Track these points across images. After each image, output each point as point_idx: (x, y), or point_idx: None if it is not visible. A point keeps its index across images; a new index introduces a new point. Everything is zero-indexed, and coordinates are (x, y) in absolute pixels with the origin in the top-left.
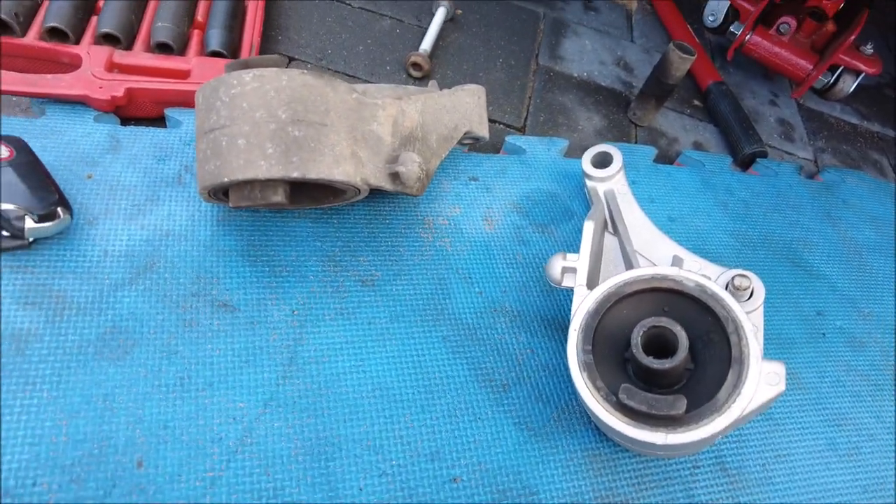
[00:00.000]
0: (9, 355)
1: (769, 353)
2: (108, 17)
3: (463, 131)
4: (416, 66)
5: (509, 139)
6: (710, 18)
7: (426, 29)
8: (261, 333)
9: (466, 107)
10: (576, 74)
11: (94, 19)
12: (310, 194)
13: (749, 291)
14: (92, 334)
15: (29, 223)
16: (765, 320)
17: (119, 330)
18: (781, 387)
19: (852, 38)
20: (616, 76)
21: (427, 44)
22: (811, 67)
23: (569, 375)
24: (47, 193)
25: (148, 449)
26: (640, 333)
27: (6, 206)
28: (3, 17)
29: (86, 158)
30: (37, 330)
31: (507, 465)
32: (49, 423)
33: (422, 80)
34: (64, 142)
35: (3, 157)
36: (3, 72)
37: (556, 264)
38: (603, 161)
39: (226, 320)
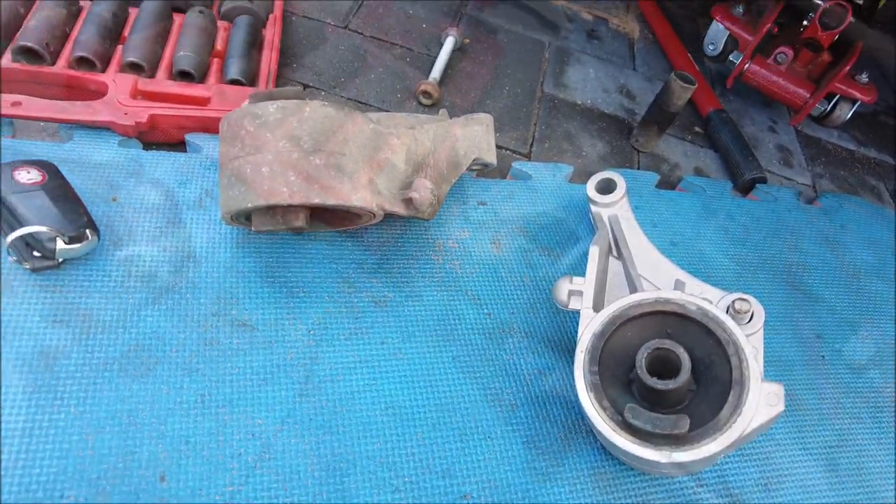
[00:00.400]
0: (38, 371)
1: (769, 374)
2: (133, 47)
3: (472, 158)
4: (425, 93)
5: (516, 165)
6: (710, 47)
7: (435, 58)
8: (278, 352)
9: (475, 134)
10: (580, 102)
11: (119, 48)
12: (327, 218)
13: (749, 315)
14: (117, 352)
15: (60, 245)
16: (764, 343)
17: (142, 348)
18: (781, 407)
19: (847, 67)
20: (619, 103)
21: (436, 72)
22: (808, 95)
23: (575, 395)
24: (77, 216)
25: (170, 464)
26: (645, 355)
27: (39, 229)
28: (35, 46)
29: (111, 182)
30: (65, 347)
31: (516, 483)
32: (76, 437)
33: (431, 108)
34: (90, 166)
35: (36, 181)
36: (35, 99)
37: (563, 287)
38: (607, 187)
39: (245, 339)
